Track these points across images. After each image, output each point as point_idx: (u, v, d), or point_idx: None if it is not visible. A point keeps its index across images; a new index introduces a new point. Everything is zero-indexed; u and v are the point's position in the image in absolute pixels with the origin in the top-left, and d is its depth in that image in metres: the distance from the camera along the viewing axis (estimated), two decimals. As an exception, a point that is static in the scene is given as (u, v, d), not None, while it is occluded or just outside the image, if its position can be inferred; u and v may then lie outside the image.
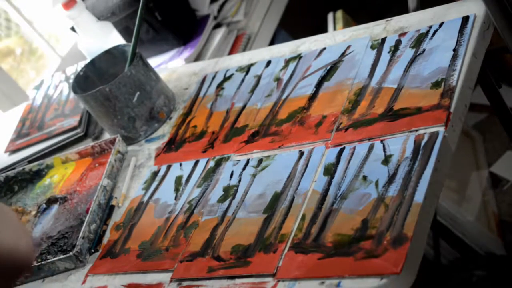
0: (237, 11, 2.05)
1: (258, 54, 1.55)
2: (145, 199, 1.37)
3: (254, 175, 1.25)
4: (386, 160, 1.11)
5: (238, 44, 1.98)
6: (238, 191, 1.24)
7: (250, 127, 1.37)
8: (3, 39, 2.31)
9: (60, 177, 1.56)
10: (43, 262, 1.33)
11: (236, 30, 2.01)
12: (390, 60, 1.28)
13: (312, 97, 1.33)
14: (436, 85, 1.17)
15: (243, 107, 1.43)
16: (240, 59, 1.58)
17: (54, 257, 1.34)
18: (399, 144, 1.12)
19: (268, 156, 1.27)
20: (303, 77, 1.39)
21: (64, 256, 1.31)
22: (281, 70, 1.44)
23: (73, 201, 1.47)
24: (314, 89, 1.35)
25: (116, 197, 1.42)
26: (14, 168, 1.69)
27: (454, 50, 1.21)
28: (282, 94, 1.39)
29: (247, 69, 1.52)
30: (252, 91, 1.45)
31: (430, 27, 1.28)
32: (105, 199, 1.42)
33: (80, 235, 1.33)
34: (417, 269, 0.99)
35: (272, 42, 2.08)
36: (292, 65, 1.43)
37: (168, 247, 1.23)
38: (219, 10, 2.06)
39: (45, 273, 1.34)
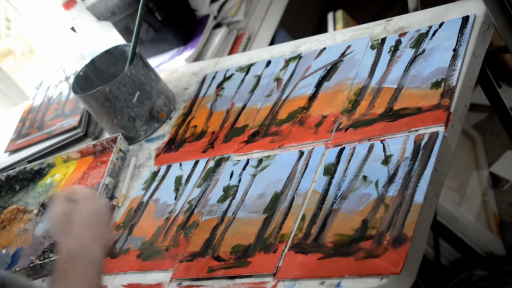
0: (237, 11, 2.05)
1: (258, 54, 1.55)
2: (145, 199, 1.37)
3: (254, 175, 1.25)
4: (386, 160, 1.11)
5: (238, 44, 1.97)
6: (238, 191, 1.24)
7: (250, 127, 1.37)
8: (3, 39, 2.31)
9: (62, 175, 1.57)
10: (45, 260, 1.33)
11: (236, 30, 2.01)
12: (390, 60, 1.28)
13: (312, 97, 1.33)
14: (436, 85, 1.17)
15: (243, 107, 1.43)
16: (240, 59, 1.58)
17: (56, 256, 1.34)
18: (399, 144, 1.12)
19: (268, 156, 1.27)
20: (303, 77, 1.39)
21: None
22: (281, 70, 1.44)
23: (75, 200, 1.48)
24: (314, 89, 1.35)
25: (116, 197, 1.43)
26: (14, 168, 1.69)
27: (454, 50, 1.21)
28: (282, 94, 1.39)
29: (247, 69, 1.52)
30: (252, 91, 1.45)
31: (430, 27, 1.28)
32: (107, 197, 1.42)
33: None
34: (417, 269, 0.99)
35: (272, 42, 2.07)
36: (292, 65, 1.43)
37: (168, 247, 1.23)
38: (219, 10, 2.05)
39: (48, 271, 1.35)
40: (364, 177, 1.11)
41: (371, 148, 1.15)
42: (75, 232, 1.03)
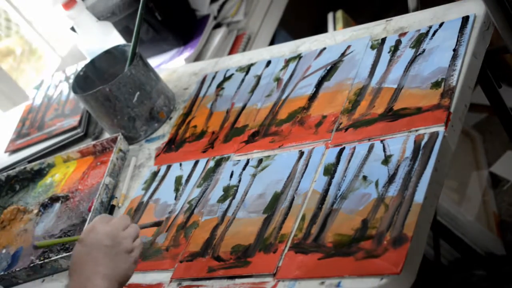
0: (237, 11, 2.05)
1: (258, 54, 1.55)
2: (145, 199, 1.38)
3: (254, 175, 1.25)
4: (386, 160, 1.11)
5: (238, 44, 1.97)
6: (238, 191, 1.24)
7: (250, 127, 1.37)
8: (3, 39, 2.31)
9: (62, 175, 1.57)
10: (45, 261, 1.33)
11: (236, 30, 2.01)
12: (390, 60, 1.28)
13: (312, 97, 1.33)
14: (436, 85, 1.17)
15: (243, 107, 1.43)
16: (240, 59, 1.58)
17: (56, 255, 1.34)
18: (399, 144, 1.12)
19: (268, 156, 1.27)
20: (303, 77, 1.39)
21: (67, 254, 1.32)
22: (281, 70, 1.44)
23: (75, 199, 1.48)
24: (314, 89, 1.35)
25: (116, 197, 1.43)
26: (14, 168, 1.69)
27: (454, 50, 1.21)
28: (282, 94, 1.39)
29: (247, 69, 1.52)
30: (252, 91, 1.45)
31: (430, 27, 1.28)
32: (107, 197, 1.42)
33: (82, 233, 1.33)
34: (417, 269, 0.99)
35: (272, 42, 2.07)
36: (292, 65, 1.43)
37: (168, 247, 1.23)
38: (219, 10, 2.05)
39: (48, 271, 1.35)
40: (364, 177, 1.11)
41: (371, 148, 1.15)
42: (82, 269, 1.06)
